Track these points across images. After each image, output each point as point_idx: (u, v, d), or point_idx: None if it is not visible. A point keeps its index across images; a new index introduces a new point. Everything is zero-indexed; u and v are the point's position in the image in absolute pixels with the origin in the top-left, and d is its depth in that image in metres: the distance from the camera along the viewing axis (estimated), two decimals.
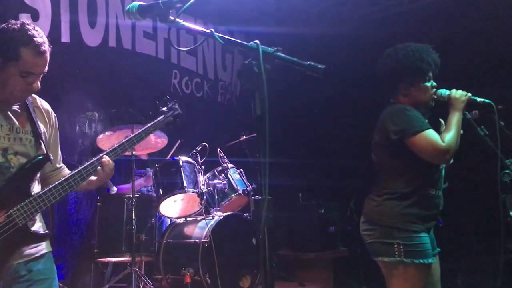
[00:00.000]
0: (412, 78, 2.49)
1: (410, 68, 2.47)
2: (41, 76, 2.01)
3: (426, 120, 2.53)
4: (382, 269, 2.48)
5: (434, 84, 2.56)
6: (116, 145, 2.23)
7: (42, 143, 2.07)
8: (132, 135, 2.28)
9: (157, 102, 2.53)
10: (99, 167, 2.13)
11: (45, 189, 2.00)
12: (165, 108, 2.49)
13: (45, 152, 2.06)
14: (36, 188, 2.06)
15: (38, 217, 2.10)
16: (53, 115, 2.22)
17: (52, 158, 2.12)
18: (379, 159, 2.52)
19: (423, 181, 2.44)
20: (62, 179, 2.04)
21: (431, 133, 2.36)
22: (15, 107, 2.07)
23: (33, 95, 2.16)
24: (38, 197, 1.97)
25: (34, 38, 1.93)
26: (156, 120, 2.41)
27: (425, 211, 2.44)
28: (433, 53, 2.53)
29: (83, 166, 2.11)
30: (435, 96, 2.56)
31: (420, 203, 2.42)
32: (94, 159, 2.15)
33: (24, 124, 2.06)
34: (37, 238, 2.05)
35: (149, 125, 2.36)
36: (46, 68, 2.01)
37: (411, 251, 2.36)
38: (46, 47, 1.98)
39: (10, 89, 1.97)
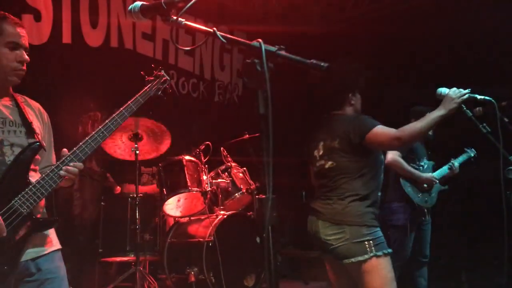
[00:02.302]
0: (355, 89, 2.77)
1: (356, 80, 2.76)
2: (23, 50, 2.08)
3: None
4: (352, 271, 2.57)
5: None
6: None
7: (35, 134, 2.08)
8: (122, 108, 2.25)
9: (141, 72, 2.50)
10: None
11: (43, 175, 2.01)
12: (151, 78, 2.47)
13: (37, 140, 2.07)
14: (34, 177, 2.06)
15: (43, 209, 2.12)
16: (45, 114, 2.25)
17: (44, 146, 2.12)
18: (339, 164, 2.66)
19: (375, 184, 2.66)
20: (59, 162, 2.03)
21: (382, 127, 2.59)
22: (7, 103, 2.11)
23: (24, 96, 2.19)
24: (38, 183, 1.98)
25: (9, 15, 2.09)
26: (143, 90, 2.38)
27: (376, 210, 2.64)
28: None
29: (78, 146, 2.09)
30: None
31: (374, 204, 2.63)
32: (87, 138, 2.13)
33: (16, 118, 2.09)
34: (45, 224, 2.07)
35: (137, 95, 2.32)
36: (24, 41, 2.09)
37: (379, 244, 2.53)
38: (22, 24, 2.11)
39: (3, 66, 2.03)
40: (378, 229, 2.58)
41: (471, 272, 5.08)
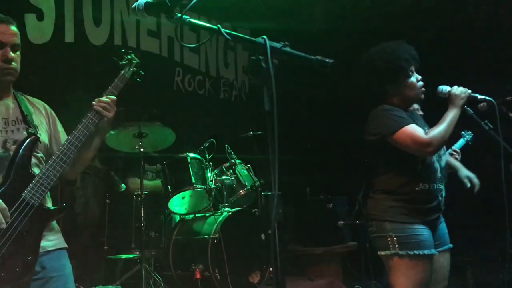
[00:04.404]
0: (396, 78, 2.52)
1: (391, 70, 2.50)
2: (16, 50, 2.08)
3: (421, 114, 2.67)
4: (384, 263, 2.51)
5: (419, 77, 2.58)
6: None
7: (33, 127, 2.11)
8: (104, 93, 2.29)
9: (113, 58, 2.49)
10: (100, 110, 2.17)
11: (46, 165, 2.04)
12: (123, 62, 2.46)
13: (32, 132, 2.09)
14: (36, 170, 2.08)
15: (50, 203, 2.15)
16: (47, 107, 2.29)
17: (42, 137, 2.14)
18: (367, 158, 2.61)
19: (409, 178, 2.46)
20: (58, 152, 2.07)
21: (411, 128, 2.40)
22: (8, 101, 2.13)
23: (26, 95, 2.22)
24: (43, 174, 2.01)
25: None
26: (120, 74, 2.39)
27: (418, 205, 2.46)
28: (407, 48, 2.56)
29: (74, 132, 2.12)
30: (424, 89, 2.58)
31: (411, 199, 2.45)
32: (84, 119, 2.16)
33: (18, 115, 2.12)
34: (55, 212, 2.10)
35: (116, 80, 2.36)
36: (18, 41, 2.09)
37: (405, 243, 2.38)
38: (10, 20, 2.09)
39: None
40: (410, 226, 2.41)
41: (477, 269, 5.07)
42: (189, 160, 4.24)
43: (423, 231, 2.43)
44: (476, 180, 2.88)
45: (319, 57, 1.45)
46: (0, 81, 2.09)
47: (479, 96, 2.57)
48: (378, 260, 2.54)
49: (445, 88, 2.57)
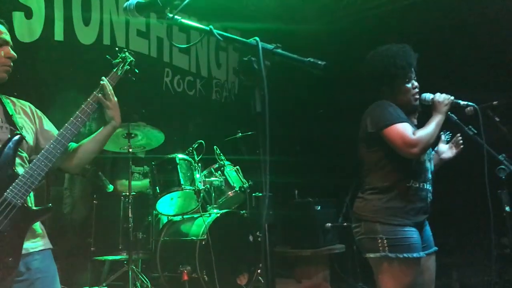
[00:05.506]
0: (391, 82, 2.57)
1: (386, 74, 2.55)
2: (9, 47, 2.11)
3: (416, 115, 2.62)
4: (372, 266, 2.49)
5: (415, 84, 2.61)
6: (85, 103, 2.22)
7: (17, 128, 2.09)
8: (96, 92, 2.26)
9: (107, 56, 2.47)
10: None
11: (30, 164, 2.02)
12: (117, 60, 2.45)
13: (18, 132, 2.07)
14: (20, 170, 2.05)
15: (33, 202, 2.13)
16: (33, 107, 2.28)
17: (26, 137, 2.12)
18: (361, 155, 2.59)
19: (402, 174, 2.48)
20: (43, 150, 2.05)
21: (403, 126, 2.41)
22: None
23: (10, 98, 2.20)
24: (26, 173, 1.98)
25: None
26: (113, 72, 2.38)
27: (409, 204, 2.46)
28: (408, 54, 2.58)
29: (61, 130, 2.11)
30: (418, 96, 2.61)
31: (402, 197, 2.45)
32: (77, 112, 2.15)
33: (1, 115, 2.10)
34: (41, 213, 2.06)
35: (107, 78, 2.33)
36: (9, 38, 2.12)
37: (395, 246, 2.37)
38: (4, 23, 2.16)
39: None
40: (401, 228, 2.40)
41: (462, 271, 5.12)
42: (177, 161, 4.22)
43: (413, 234, 2.43)
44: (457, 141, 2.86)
45: (312, 59, 1.45)
46: None
47: (462, 102, 2.62)
48: (366, 263, 2.54)
49: (428, 95, 2.61)
